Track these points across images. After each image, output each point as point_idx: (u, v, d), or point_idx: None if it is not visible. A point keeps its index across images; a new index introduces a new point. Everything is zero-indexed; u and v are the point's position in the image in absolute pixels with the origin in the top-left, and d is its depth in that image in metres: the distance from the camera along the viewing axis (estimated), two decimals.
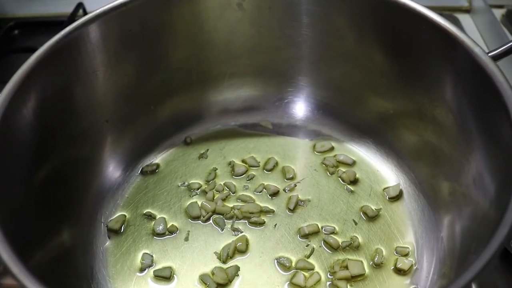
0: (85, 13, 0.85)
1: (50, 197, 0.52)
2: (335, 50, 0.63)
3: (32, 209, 0.49)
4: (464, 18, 0.89)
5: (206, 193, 0.61)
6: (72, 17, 0.83)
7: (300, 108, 0.69)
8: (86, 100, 0.58)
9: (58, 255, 0.51)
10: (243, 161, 0.65)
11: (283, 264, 0.55)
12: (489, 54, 0.50)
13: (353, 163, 0.64)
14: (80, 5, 0.85)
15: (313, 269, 0.54)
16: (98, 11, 0.56)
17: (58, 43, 0.53)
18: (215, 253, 0.56)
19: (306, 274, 0.54)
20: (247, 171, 0.64)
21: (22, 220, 0.46)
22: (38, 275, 0.39)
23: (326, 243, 0.56)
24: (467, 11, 0.91)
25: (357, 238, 0.57)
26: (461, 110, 0.53)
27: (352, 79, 0.64)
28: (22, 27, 0.91)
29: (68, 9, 0.85)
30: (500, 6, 0.89)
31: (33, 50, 0.75)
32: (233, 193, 0.61)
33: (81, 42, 0.55)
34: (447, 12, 0.89)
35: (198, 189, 0.62)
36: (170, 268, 0.55)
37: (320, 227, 0.58)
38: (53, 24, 0.88)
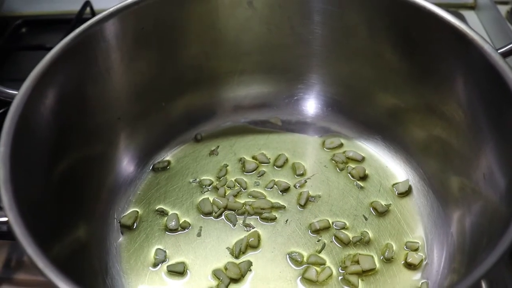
0: (92, 11, 0.85)
1: (67, 193, 0.53)
2: (346, 48, 0.64)
3: (50, 205, 0.50)
4: (469, 15, 0.90)
5: (218, 189, 0.62)
6: (80, 15, 0.83)
7: (309, 105, 0.69)
8: (99, 98, 0.59)
9: (74, 251, 0.52)
10: (253, 157, 0.65)
11: (295, 259, 0.55)
12: (498, 51, 0.51)
13: (362, 159, 0.65)
14: (87, 3, 0.85)
15: (324, 264, 0.55)
16: (111, 9, 0.56)
17: (74, 41, 0.53)
18: (228, 248, 0.57)
19: (318, 269, 0.54)
20: (257, 167, 0.64)
21: (42, 215, 0.47)
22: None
23: (337, 238, 0.57)
24: (472, 7, 0.91)
25: (368, 233, 0.57)
26: (471, 107, 0.54)
27: (362, 76, 0.65)
28: (29, 25, 0.91)
29: (76, 7, 0.85)
30: (505, 3, 0.88)
31: (41, 48, 0.77)
32: (244, 189, 0.62)
33: (95, 40, 0.56)
34: (452, 8, 0.89)
35: (209, 185, 0.62)
36: (183, 263, 0.55)
37: (330, 222, 0.58)
38: (60, 22, 0.89)
